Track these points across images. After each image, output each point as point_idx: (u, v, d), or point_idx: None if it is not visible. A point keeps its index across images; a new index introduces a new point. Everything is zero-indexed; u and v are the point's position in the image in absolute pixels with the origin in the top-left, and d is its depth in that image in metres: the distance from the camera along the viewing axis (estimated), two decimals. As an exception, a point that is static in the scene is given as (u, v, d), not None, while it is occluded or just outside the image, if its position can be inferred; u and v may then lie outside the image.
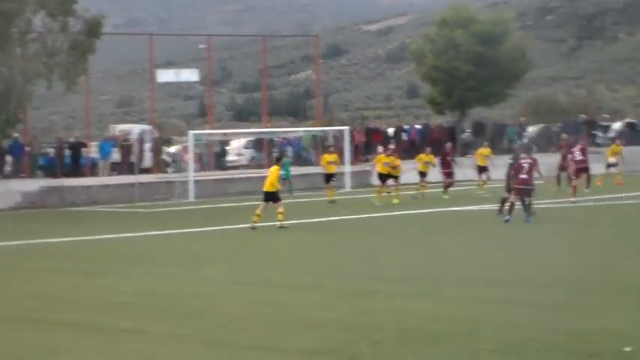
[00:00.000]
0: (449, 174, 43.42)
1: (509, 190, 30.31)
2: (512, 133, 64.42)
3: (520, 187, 29.26)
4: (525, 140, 61.64)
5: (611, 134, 67.19)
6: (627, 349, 10.97)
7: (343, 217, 34.21)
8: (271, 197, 30.56)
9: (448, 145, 47.66)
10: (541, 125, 70.72)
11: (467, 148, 60.51)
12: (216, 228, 32.48)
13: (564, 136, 52.14)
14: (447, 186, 42.83)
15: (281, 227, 29.55)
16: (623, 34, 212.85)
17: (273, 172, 31.31)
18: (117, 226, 34.15)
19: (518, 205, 29.36)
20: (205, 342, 12.56)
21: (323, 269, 20.16)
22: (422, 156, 45.49)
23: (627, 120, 74.68)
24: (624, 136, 68.15)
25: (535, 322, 12.92)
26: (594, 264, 19.30)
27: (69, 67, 50.44)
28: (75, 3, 50.44)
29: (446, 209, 36.80)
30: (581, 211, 33.52)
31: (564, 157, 41.76)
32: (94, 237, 30.34)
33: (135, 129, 58.71)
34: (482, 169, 44.57)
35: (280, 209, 30.17)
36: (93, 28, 51.10)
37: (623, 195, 38.65)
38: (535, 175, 29.56)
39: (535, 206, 29.54)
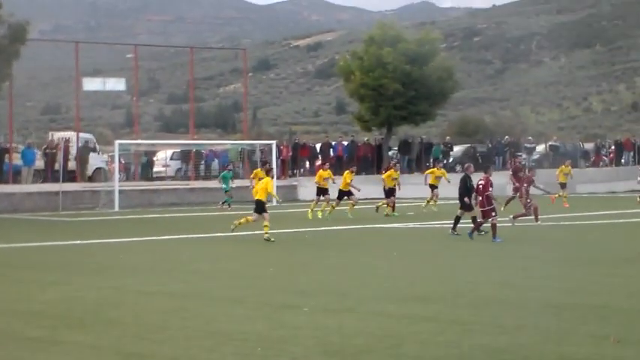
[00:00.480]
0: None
1: (463, 207, 30.55)
2: (438, 152, 64.84)
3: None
4: (451, 159, 62.17)
5: (535, 156, 68.09)
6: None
7: (274, 231, 34.07)
8: (261, 206, 30.14)
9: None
10: (466, 145, 71.35)
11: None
12: (141, 239, 32.22)
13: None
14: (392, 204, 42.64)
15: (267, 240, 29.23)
16: (547, 58, 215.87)
17: (266, 182, 30.79)
18: (38, 234, 33.73)
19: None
20: (123, 353, 12.34)
21: (246, 282, 20.02)
22: (434, 170, 46.70)
23: (550, 143, 75.58)
24: (547, 159, 69.22)
25: (454, 339, 12.95)
26: (518, 283, 19.38)
27: (-8, 72, 50.14)
28: (-1, 7, 50.04)
29: (382, 225, 36.87)
30: (541, 230, 33.81)
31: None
32: (13, 245, 29.99)
33: (73, 136, 58.12)
34: (432, 187, 44.46)
35: (266, 222, 29.74)
36: (18, 34, 50.84)
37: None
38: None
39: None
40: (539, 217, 35.15)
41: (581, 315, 15.04)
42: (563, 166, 51.44)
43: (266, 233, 29.45)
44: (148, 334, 13.78)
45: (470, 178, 31.27)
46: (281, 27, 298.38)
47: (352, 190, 41.39)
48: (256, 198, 30.57)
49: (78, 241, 30.81)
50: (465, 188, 30.69)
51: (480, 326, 14.08)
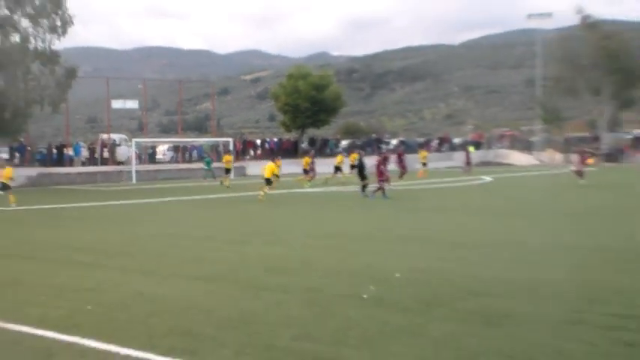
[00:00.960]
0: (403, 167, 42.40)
1: (362, 178, 30.30)
2: (332, 144, 65.18)
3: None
4: (340, 149, 62.25)
5: (390, 146, 68.58)
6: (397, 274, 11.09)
7: (232, 195, 33.78)
8: (268, 181, 29.73)
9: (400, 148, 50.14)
10: (349, 140, 71.73)
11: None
12: (150, 200, 31.84)
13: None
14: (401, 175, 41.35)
15: (260, 200, 28.61)
16: (398, 87, 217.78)
17: (271, 166, 30.47)
18: (84, 198, 33.14)
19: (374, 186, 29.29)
20: (141, 271, 12.22)
21: (214, 226, 19.87)
22: (423, 152, 48.95)
23: (400, 138, 76.29)
24: (399, 149, 69.65)
25: (343, 259, 12.98)
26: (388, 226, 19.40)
27: (55, 97, 49.64)
28: (59, 57, 49.61)
29: (303, 191, 36.72)
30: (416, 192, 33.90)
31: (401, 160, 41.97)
32: (68, 205, 29.51)
33: (115, 137, 58.17)
34: (337, 169, 42.66)
35: (265, 189, 29.36)
36: (71, 73, 50.71)
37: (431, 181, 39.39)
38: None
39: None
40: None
41: (420, 242, 15.19)
42: (423, 152, 51.70)
43: (259, 195, 29.05)
44: (154, 259, 13.66)
45: (363, 159, 31.49)
46: (235, 67, 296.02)
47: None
48: (266, 177, 29.94)
49: (109, 202, 30.36)
50: (362, 166, 30.88)
51: (359, 252, 14.14)
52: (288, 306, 9.15)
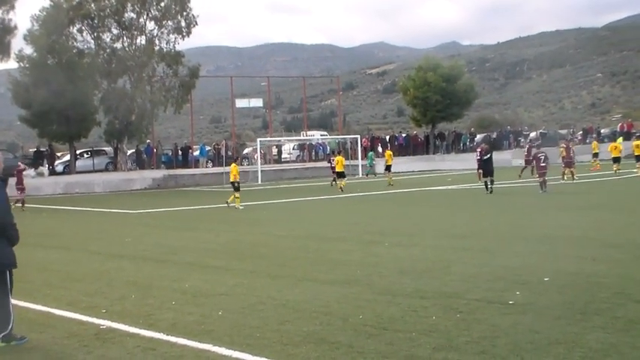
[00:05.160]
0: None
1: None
2: (466, 138, 64.19)
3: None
4: (474, 143, 61.13)
5: (529, 139, 66.66)
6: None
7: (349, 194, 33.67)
8: (342, 174, 35.97)
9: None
10: (484, 134, 70.39)
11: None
12: (276, 201, 32.31)
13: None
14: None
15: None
16: (535, 75, 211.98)
17: (340, 160, 36.86)
18: (211, 199, 34.01)
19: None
20: (271, 275, 12.32)
21: (347, 227, 19.82)
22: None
23: (540, 130, 74.05)
24: (539, 141, 67.66)
25: (484, 261, 12.61)
26: (524, 223, 18.81)
27: (179, 98, 51.36)
28: (183, 57, 51.30)
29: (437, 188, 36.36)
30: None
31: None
32: (196, 207, 30.39)
33: (316, 134, 62.00)
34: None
35: (343, 182, 35.72)
36: (194, 73, 52.36)
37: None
38: None
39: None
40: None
41: (570, 242, 14.59)
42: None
43: (340, 188, 35.26)
44: (285, 262, 13.75)
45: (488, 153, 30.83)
46: (359, 61, 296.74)
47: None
48: (338, 170, 36.43)
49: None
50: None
51: (500, 253, 13.74)
52: (426, 312, 8.94)
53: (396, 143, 61.74)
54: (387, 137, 64.90)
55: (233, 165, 30.28)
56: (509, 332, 7.86)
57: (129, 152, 53.08)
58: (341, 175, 36.92)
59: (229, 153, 55.12)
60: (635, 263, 11.88)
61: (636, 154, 38.12)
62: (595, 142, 50.81)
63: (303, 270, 12.66)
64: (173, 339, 8.23)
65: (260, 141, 56.51)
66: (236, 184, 28.66)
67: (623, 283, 10.15)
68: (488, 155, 30.55)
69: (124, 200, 36.45)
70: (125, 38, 50.41)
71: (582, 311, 8.65)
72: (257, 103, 63.10)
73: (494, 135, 67.22)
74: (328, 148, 60.86)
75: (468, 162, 51.34)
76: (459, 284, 10.66)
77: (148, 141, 54.03)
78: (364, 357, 7.22)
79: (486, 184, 30.09)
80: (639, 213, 20.28)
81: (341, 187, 35.69)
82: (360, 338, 7.89)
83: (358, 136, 59.32)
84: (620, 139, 65.79)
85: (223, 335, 8.26)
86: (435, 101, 61.21)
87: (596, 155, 47.25)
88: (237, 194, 28.38)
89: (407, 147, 61.76)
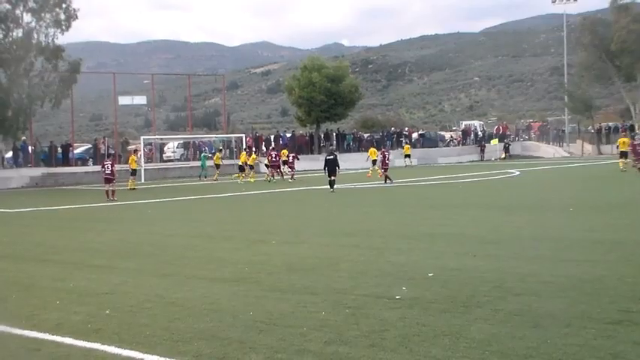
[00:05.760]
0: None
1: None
2: (350, 139, 65.10)
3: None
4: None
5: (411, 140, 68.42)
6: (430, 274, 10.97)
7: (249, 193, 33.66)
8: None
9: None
10: (368, 134, 71.62)
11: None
12: (160, 200, 31.87)
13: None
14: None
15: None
16: (415, 78, 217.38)
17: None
18: (92, 198, 33.18)
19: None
20: (158, 274, 12.17)
21: (231, 226, 19.82)
22: (373, 149, 48.49)
23: (420, 132, 76.06)
24: (419, 142, 69.49)
25: (371, 258, 12.88)
26: (410, 221, 19.28)
27: (58, 93, 49.84)
28: (63, 51, 49.82)
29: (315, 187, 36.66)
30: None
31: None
32: (77, 206, 29.63)
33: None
34: (374, 162, 46.06)
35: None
36: (75, 68, 50.79)
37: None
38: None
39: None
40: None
41: (449, 239, 15.08)
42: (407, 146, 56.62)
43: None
44: (172, 260, 13.61)
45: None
46: (244, 60, 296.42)
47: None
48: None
49: (121, 203, 30.37)
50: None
51: (390, 249, 14.06)
52: (316, 308, 9.07)
53: (280, 142, 61.97)
54: (272, 137, 65.01)
55: (243, 153, 45.13)
56: (398, 325, 8.08)
57: (6, 152, 51.19)
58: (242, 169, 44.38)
59: (111, 151, 53.91)
60: (513, 258, 12.42)
61: (621, 150, 40.39)
62: (407, 145, 56.46)
63: (190, 268, 12.57)
64: (59, 339, 8.03)
65: (144, 139, 55.56)
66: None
67: (503, 278, 10.60)
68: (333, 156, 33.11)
69: (-1, 199, 35.11)
70: (0, 30, 48.45)
71: (465, 304, 8.99)
72: (140, 100, 62.02)
73: (377, 135, 68.52)
74: (213, 147, 60.54)
75: (354, 162, 52.33)
76: (348, 280, 10.85)
77: (24, 138, 52.21)
78: (256, 352, 7.26)
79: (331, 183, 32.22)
80: (514, 210, 21.15)
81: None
82: (251, 334, 7.93)
83: (243, 135, 59.29)
84: (496, 141, 68.68)
85: (111, 334, 8.13)
86: (320, 101, 61.75)
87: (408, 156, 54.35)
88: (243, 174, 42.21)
89: (291, 145, 62.13)
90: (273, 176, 42.77)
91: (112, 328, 8.40)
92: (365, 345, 7.39)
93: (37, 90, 49.47)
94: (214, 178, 46.67)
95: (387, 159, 37.23)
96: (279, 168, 43.66)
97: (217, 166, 48.31)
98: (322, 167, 33.33)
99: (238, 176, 44.40)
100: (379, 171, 36.64)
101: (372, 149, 48.53)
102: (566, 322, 7.96)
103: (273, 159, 43.41)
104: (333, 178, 32.07)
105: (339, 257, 13.16)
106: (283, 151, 46.62)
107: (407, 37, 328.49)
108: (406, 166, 55.95)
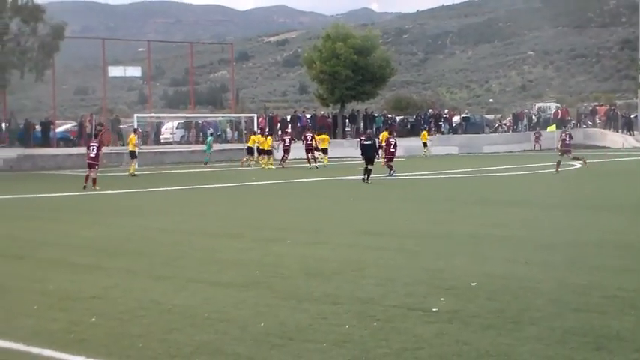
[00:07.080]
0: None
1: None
2: (380, 121, 65.00)
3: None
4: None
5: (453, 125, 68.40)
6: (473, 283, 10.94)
7: (256, 183, 33.72)
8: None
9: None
10: (401, 117, 71.60)
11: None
12: (155, 189, 31.99)
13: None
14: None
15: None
16: (458, 51, 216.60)
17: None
18: (76, 185, 33.25)
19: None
20: (152, 276, 12.24)
21: (239, 222, 19.85)
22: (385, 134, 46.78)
23: (463, 115, 75.75)
24: (461, 127, 69.32)
25: (403, 263, 12.87)
26: (443, 220, 19.25)
27: (38, 62, 49.96)
28: (43, 12, 49.91)
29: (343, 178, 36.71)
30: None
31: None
32: (58, 194, 29.90)
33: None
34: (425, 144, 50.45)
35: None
36: (57, 32, 50.90)
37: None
38: None
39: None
40: None
41: (496, 242, 15.03)
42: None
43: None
44: (168, 260, 13.65)
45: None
46: (256, 27, 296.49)
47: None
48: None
49: (109, 191, 30.51)
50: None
51: (425, 252, 14.03)
52: (338, 320, 9.07)
53: (298, 125, 61.91)
54: (289, 117, 65.03)
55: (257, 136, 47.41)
56: (433, 343, 8.06)
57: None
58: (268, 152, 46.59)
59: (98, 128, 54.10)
60: (571, 266, 12.35)
61: None
62: (424, 132, 57.61)
63: (190, 270, 12.62)
64: (36, 350, 8.07)
65: (138, 117, 55.72)
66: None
67: (559, 289, 10.54)
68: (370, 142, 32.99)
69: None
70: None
71: (515, 320, 8.95)
72: (134, 72, 62.46)
73: (411, 119, 68.33)
74: (219, 127, 60.73)
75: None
76: (375, 288, 10.85)
77: (-3, 114, 52.63)
78: (267, 371, 7.29)
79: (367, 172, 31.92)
80: (578, 211, 21.05)
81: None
82: (262, 349, 7.94)
83: (255, 115, 59.35)
84: (553, 127, 68.11)
85: (98, 345, 8.17)
86: (345, 77, 61.66)
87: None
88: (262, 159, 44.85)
89: (312, 128, 62.08)
90: (315, 160, 44.01)
91: (98, 339, 8.44)
92: (395, 365, 7.39)
93: (12, 57, 49.62)
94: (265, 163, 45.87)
95: (393, 147, 36.63)
96: (312, 153, 44.27)
97: (266, 152, 46.83)
98: (352, 153, 33.35)
99: (262, 161, 46.05)
100: (382, 160, 36.26)
101: (424, 133, 49.84)
102: (636, 345, 7.91)
103: (309, 142, 44.67)
104: (370, 167, 31.79)
105: (365, 261, 13.16)
106: (323, 136, 47.69)
107: (449, 1, 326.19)
108: (423, 155, 55.22)
